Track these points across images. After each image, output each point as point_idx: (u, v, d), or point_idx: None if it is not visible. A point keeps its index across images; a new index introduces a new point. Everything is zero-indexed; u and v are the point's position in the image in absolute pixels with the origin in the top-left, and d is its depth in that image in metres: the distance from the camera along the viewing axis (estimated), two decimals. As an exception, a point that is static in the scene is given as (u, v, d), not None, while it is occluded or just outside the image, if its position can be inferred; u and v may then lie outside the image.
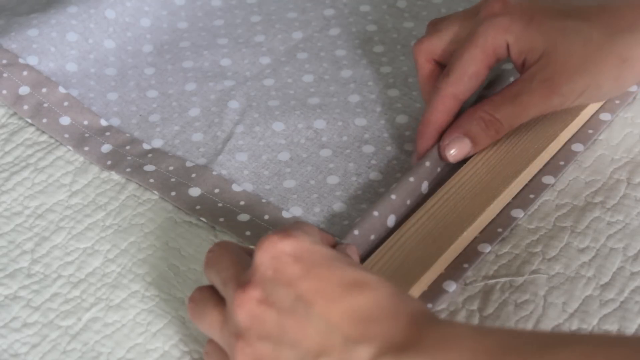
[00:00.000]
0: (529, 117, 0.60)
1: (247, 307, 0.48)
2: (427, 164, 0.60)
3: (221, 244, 0.53)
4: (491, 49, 0.60)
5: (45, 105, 0.68)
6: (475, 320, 0.55)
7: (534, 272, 0.57)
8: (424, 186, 0.60)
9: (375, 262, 0.56)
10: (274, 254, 0.48)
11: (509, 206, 0.60)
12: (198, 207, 0.61)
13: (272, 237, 0.49)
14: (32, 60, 0.70)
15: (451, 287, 0.56)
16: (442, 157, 0.61)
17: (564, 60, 0.58)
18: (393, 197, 0.58)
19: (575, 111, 0.63)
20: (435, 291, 0.56)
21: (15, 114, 0.69)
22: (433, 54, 0.63)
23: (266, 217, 0.61)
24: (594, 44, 0.58)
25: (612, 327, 0.54)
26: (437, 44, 0.63)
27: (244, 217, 0.61)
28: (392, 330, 0.46)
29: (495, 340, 0.44)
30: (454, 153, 0.61)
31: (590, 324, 0.54)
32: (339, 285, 0.47)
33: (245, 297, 0.48)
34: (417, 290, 0.55)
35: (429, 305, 0.55)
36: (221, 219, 0.61)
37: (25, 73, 0.70)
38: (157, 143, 0.66)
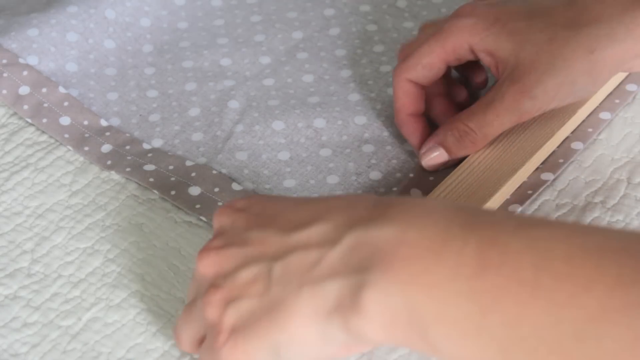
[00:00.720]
0: (504, 125, 0.60)
1: (208, 258, 0.49)
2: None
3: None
4: (450, 46, 0.60)
5: (45, 105, 0.68)
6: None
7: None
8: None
9: None
10: (229, 211, 0.50)
11: (506, 203, 0.60)
12: (198, 206, 0.61)
13: (224, 205, 0.51)
14: (32, 60, 0.70)
15: None
16: (420, 164, 0.62)
17: (532, 60, 0.58)
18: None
19: (572, 109, 0.63)
20: None
21: (15, 113, 0.69)
22: (409, 75, 0.63)
23: (266, 216, 0.61)
24: (559, 39, 0.58)
25: (612, 326, 0.54)
26: (414, 47, 0.63)
27: (244, 216, 0.61)
28: (356, 211, 0.46)
29: (471, 214, 0.44)
30: (429, 162, 0.61)
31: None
32: (292, 205, 0.48)
33: (204, 251, 0.49)
34: None
35: None
36: (221, 219, 0.61)
37: (25, 73, 0.70)
38: (157, 143, 0.66)
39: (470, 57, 0.61)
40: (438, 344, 0.43)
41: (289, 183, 0.63)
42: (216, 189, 0.62)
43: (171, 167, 0.64)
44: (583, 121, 0.65)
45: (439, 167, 0.62)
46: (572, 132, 0.64)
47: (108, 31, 0.73)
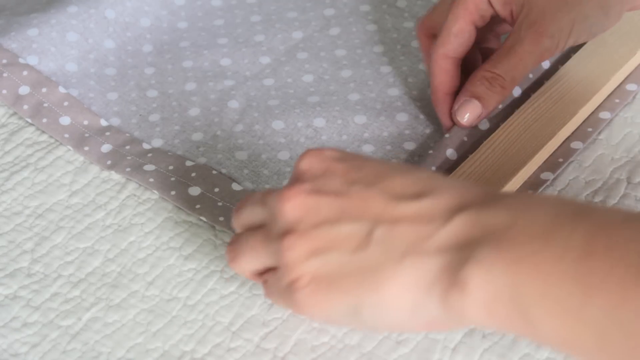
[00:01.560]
0: (528, 67, 0.61)
1: (297, 199, 0.48)
2: (447, 135, 0.63)
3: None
4: (472, 5, 0.62)
5: (45, 105, 0.68)
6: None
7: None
8: (450, 152, 0.62)
9: None
10: (321, 157, 0.49)
11: None
12: (198, 206, 0.61)
13: (313, 149, 0.50)
14: (32, 60, 0.70)
15: None
16: (456, 124, 0.62)
17: (544, 1, 0.60)
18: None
19: (573, 109, 0.63)
20: None
21: (15, 113, 0.69)
22: (432, 29, 0.65)
23: (266, 216, 0.61)
24: None
25: (612, 326, 0.54)
26: (435, 19, 0.65)
27: (243, 216, 0.61)
28: (466, 193, 0.47)
29: (579, 205, 0.45)
30: (465, 117, 0.62)
31: (591, 323, 0.54)
32: (394, 169, 0.48)
33: (294, 190, 0.48)
34: None
35: None
36: (221, 218, 0.61)
37: (25, 73, 0.70)
38: (157, 143, 0.66)
39: (491, 12, 0.62)
40: (537, 323, 0.43)
41: (289, 183, 0.63)
42: (216, 189, 0.62)
43: (171, 167, 0.64)
44: (583, 121, 0.65)
45: (474, 123, 0.63)
46: (572, 132, 0.64)
47: (108, 31, 0.73)
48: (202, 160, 0.65)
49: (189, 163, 0.64)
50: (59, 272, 0.59)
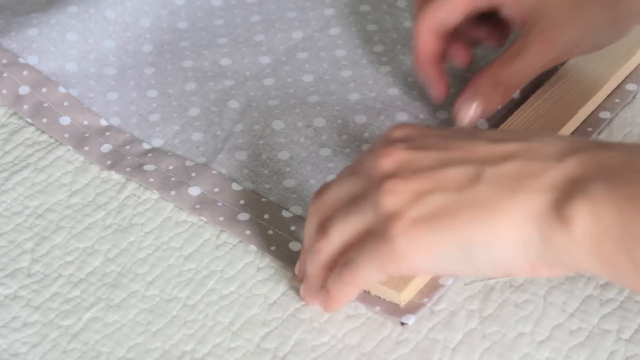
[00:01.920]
0: (533, 73, 0.61)
1: (394, 155, 0.47)
2: None
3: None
4: None
5: (45, 105, 0.68)
6: (475, 321, 0.55)
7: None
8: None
9: None
10: (414, 126, 0.49)
11: None
12: (198, 206, 0.61)
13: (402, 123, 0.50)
14: (32, 60, 0.70)
15: None
16: (456, 122, 0.63)
17: (555, 11, 0.59)
18: None
19: (573, 109, 0.63)
20: None
21: (15, 113, 0.69)
22: (432, 18, 0.63)
23: (266, 216, 0.61)
24: None
25: (612, 326, 0.54)
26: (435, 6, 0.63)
27: (243, 216, 0.61)
28: (576, 140, 0.46)
29: None
30: (467, 116, 0.62)
31: (591, 323, 0.54)
32: (490, 139, 0.48)
33: (391, 148, 0.48)
34: None
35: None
36: (221, 218, 0.61)
37: (25, 73, 0.70)
38: (157, 142, 0.66)
39: (486, 5, 0.62)
40: None
41: (289, 183, 0.63)
42: (216, 189, 0.62)
43: (171, 167, 0.64)
44: (583, 121, 0.65)
45: (473, 123, 0.62)
46: (572, 132, 0.64)
47: (108, 31, 0.73)
48: (202, 160, 0.65)
49: (188, 163, 0.64)
50: (59, 272, 0.59)
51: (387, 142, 0.49)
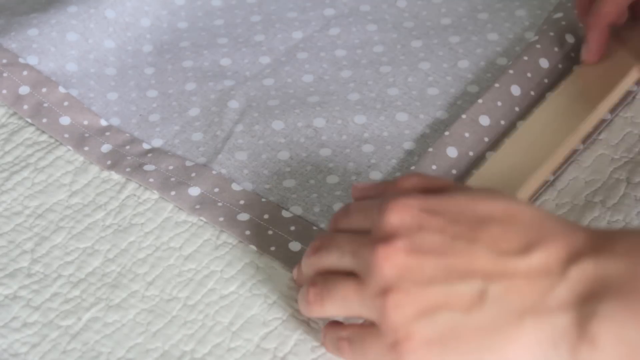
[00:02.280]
0: None
1: (394, 259, 0.47)
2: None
3: (325, 234, 0.52)
4: None
5: (45, 105, 0.68)
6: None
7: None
8: (450, 150, 0.62)
9: None
10: (411, 211, 0.48)
11: None
12: (198, 206, 0.61)
13: (397, 199, 0.48)
14: (32, 60, 0.70)
15: None
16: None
17: None
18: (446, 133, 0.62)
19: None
20: None
21: (15, 113, 0.69)
22: None
23: (266, 216, 0.61)
24: None
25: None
26: None
27: (243, 216, 0.61)
28: (574, 240, 0.45)
29: None
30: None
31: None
32: (493, 220, 0.46)
33: (391, 249, 0.47)
34: None
35: None
36: (221, 219, 0.61)
37: (25, 73, 0.70)
38: (157, 143, 0.66)
39: None
40: None
41: (289, 183, 0.63)
42: (216, 190, 0.62)
43: (171, 168, 0.64)
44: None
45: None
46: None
47: (108, 31, 0.73)
48: (201, 160, 0.65)
49: (188, 163, 0.64)
50: (59, 272, 0.59)
51: (386, 235, 0.48)
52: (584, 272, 0.45)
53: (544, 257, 0.46)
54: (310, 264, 0.53)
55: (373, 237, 0.48)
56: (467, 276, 0.46)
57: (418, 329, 0.46)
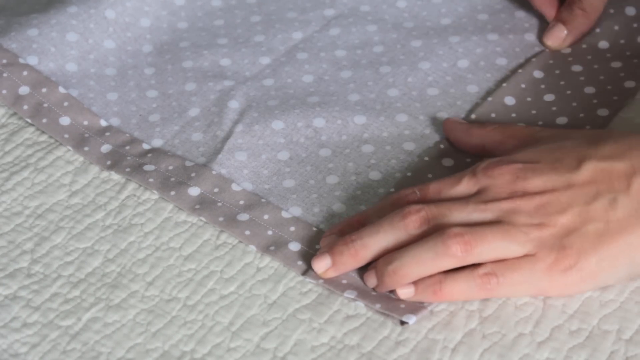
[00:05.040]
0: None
1: (532, 202, 0.54)
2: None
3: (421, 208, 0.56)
4: None
5: (45, 105, 0.68)
6: (475, 321, 0.55)
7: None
8: (508, 99, 0.66)
9: None
10: (514, 167, 0.56)
11: None
12: (197, 206, 0.61)
13: (491, 165, 0.56)
14: (32, 60, 0.70)
15: None
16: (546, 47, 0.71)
17: None
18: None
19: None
20: None
21: (15, 114, 0.69)
22: None
23: (265, 216, 0.61)
24: None
25: (612, 327, 0.54)
26: None
27: (243, 216, 0.61)
28: None
29: None
30: (557, 42, 0.71)
31: (591, 324, 0.54)
32: (583, 140, 0.57)
33: (526, 196, 0.55)
34: None
35: None
36: (220, 219, 0.61)
37: (25, 73, 0.70)
38: (157, 143, 0.66)
39: None
40: None
41: (289, 183, 0.63)
42: (216, 190, 0.62)
43: (171, 168, 0.64)
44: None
45: (560, 46, 0.71)
46: None
47: (108, 31, 0.73)
48: (201, 160, 0.65)
49: (188, 163, 0.64)
50: (58, 273, 0.59)
51: (502, 187, 0.55)
52: None
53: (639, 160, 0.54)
54: (419, 232, 0.55)
55: (499, 195, 0.55)
56: (597, 194, 0.54)
57: (570, 243, 0.53)
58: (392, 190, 0.62)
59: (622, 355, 0.53)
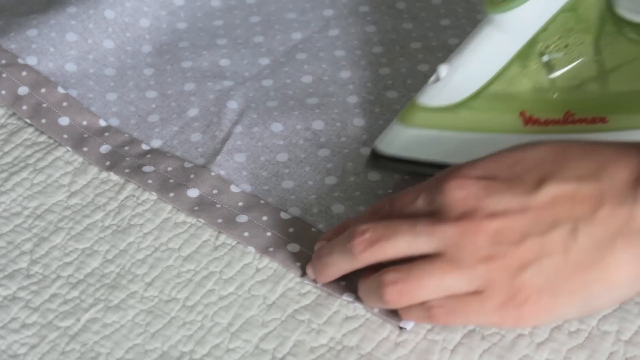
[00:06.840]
0: None
1: (484, 229, 0.49)
2: None
3: (362, 228, 0.53)
4: None
5: (44, 105, 0.68)
6: (474, 321, 0.55)
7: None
8: None
9: None
10: (471, 183, 0.50)
11: None
12: (196, 208, 0.61)
13: (449, 176, 0.51)
14: (31, 61, 0.70)
15: None
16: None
17: None
18: None
19: None
20: None
21: (14, 114, 0.69)
22: None
23: (264, 218, 0.61)
24: None
25: (612, 327, 0.54)
26: None
27: (242, 218, 0.61)
28: (631, 160, 0.49)
29: None
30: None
31: (590, 324, 0.54)
32: (546, 162, 0.50)
33: (476, 222, 0.49)
34: None
35: None
36: (219, 220, 0.61)
37: (24, 73, 0.70)
38: (156, 143, 0.66)
39: None
40: None
41: (287, 184, 0.63)
42: (214, 191, 0.62)
43: (170, 169, 0.64)
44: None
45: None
46: None
47: (107, 31, 0.73)
48: (200, 161, 0.65)
49: (187, 164, 0.64)
50: (57, 273, 0.59)
51: (460, 214, 0.50)
52: None
53: (611, 183, 0.48)
54: (367, 259, 0.53)
55: (447, 216, 0.50)
56: (555, 222, 0.49)
57: (522, 280, 0.49)
58: (391, 191, 0.62)
59: (622, 356, 0.53)
